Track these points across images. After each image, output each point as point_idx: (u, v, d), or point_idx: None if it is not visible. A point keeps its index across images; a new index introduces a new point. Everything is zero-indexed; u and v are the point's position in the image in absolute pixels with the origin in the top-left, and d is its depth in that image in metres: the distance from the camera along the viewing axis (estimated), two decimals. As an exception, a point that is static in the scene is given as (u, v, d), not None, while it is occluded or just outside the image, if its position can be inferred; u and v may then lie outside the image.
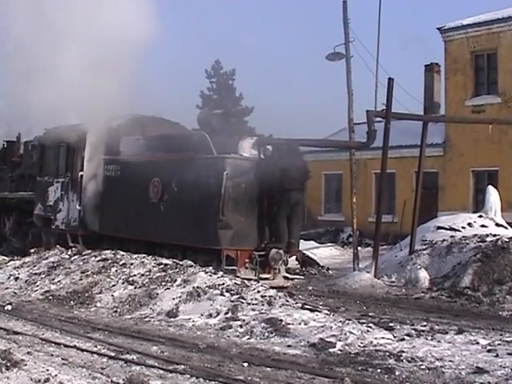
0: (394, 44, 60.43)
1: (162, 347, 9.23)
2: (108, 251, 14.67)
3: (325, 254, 25.52)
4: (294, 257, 16.07)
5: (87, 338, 9.77)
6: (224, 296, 11.31)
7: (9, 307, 12.17)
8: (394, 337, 9.59)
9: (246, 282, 12.22)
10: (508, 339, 9.60)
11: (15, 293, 13.73)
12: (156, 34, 16.83)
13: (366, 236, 26.92)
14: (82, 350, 8.99)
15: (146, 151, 16.50)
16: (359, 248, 21.12)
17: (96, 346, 9.25)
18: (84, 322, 11.02)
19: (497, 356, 8.51)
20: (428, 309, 13.90)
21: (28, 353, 8.52)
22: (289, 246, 15.15)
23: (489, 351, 8.77)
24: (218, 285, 11.77)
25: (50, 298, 13.06)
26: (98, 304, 12.31)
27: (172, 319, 11.00)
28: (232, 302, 11.05)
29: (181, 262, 13.35)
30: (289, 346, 9.29)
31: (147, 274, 12.90)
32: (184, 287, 11.90)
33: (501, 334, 10.36)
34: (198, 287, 11.72)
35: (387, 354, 8.69)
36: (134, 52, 16.95)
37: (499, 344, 9.21)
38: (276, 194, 14.93)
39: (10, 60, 19.32)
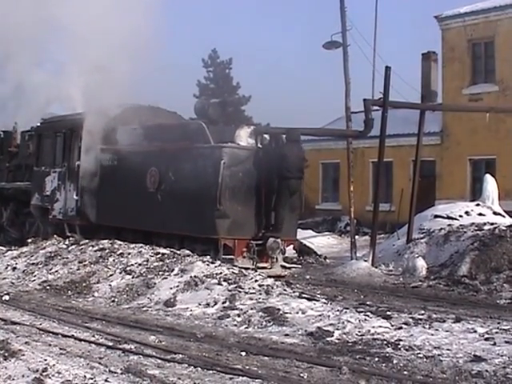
0: (391, 32, 60.32)
1: (160, 337, 9.23)
2: (105, 241, 14.66)
3: (322, 242, 25.52)
4: (292, 246, 16.07)
5: (85, 328, 9.77)
6: (221, 285, 11.31)
7: (6, 297, 12.16)
8: (392, 325, 9.58)
9: (243, 271, 12.23)
10: (505, 327, 9.61)
11: (13, 283, 13.73)
12: (157, 26, 16.79)
13: (363, 225, 26.93)
14: (80, 340, 8.99)
15: (142, 141, 16.48)
16: (357, 237, 21.15)
17: (94, 336, 9.25)
18: (82, 312, 11.02)
19: (494, 344, 8.51)
20: (425, 297, 13.90)
21: (26, 343, 8.51)
22: (277, 230, 15.04)
23: (486, 339, 8.77)
24: (216, 274, 11.77)
25: (48, 287, 13.06)
26: (96, 294, 12.31)
27: (170, 309, 11.00)
28: (229, 291, 11.06)
29: (178, 252, 13.36)
30: (286, 334, 9.30)
31: (145, 263, 12.90)
32: (181, 276, 11.91)
33: (498, 323, 10.37)
34: (195, 276, 11.73)
35: (385, 342, 8.70)
36: (134, 44, 16.92)
37: (497, 332, 9.21)
38: (274, 183, 14.92)
39: (11, 49, 19.33)
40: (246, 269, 12.91)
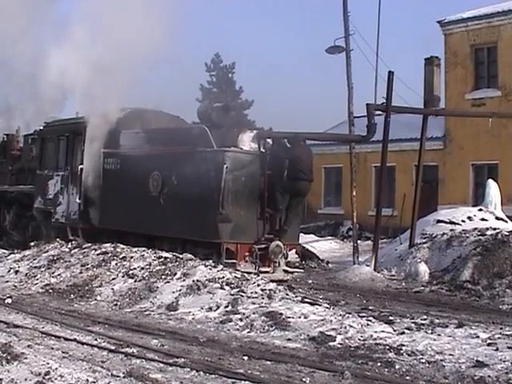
0: (394, 37, 60.36)
1: (162, 340, 9.23)
2: (108, 244, 14.66)
3: (324, 247, 25.55)
4: (294, 250, 16.05)
5: (87, 332, 9.77)
6: (224, 289, 11.31)
7: (9, 300, 12.16)
8: (394, 330, 9.59)
9: (245, 275, 12.22)
10: (508, 333, 9.61)
11: (15, 286, 13.73)
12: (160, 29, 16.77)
13: (365, 229, 26.93)
14: (83, 344, 8.99)
15: (145, 144, 16.48)
16: (359, 241, 21.13)
17: (96, 340, 9.25)
18: (84, 316, 11.02)
19: (497, 350, 8.50)
20: (428, 302, 13.91)
21: (28, 346, 8.52)
22: (281, 233, 15.02)
23: (489, 345, 8.77)
24: (218, 278, 11.77)
25: (50, 291, 13.07)
26: (98, 297, 12.31)
27: (172, 312, 11.00)
28: (232, 295, 11.05)
29: (181, 256, 13.35)
30: (289, 339, 9.29)
31: (147, 267, 12.90)
32: (184, 280, 11.91)
33: (501, 328, 10.37)
34: (197, 280, 11.72)
35: (387, 347, 8.69)
36: (138, 46, 16.93)
37: (499, 338, 9.21)
38: (282, 184, 14.86)
39: (11, 53, 19.39)
40: (249, 273, 12.90)
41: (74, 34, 17.54)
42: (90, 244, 15.20)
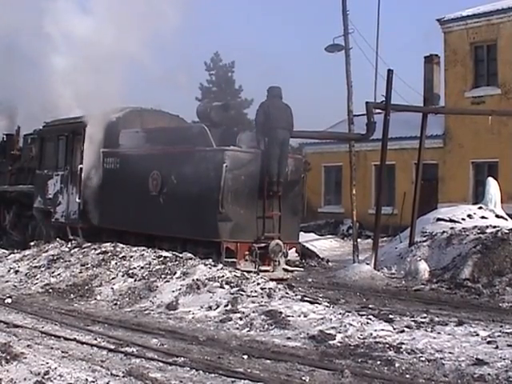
0: (393, 35, 60.33)
1: (162, 340, 9.23)
2: (108, 244, 14.65)
3: (325, 246, 25.55)
4: (294, 249, 16.05)
5: (87, 331, 9.77)
6: (224, 288, 11.31)
7: (9, 300, 12.17)
8: (394, 329, 9.57)
9: (245, 274, 12.23)
10: (508, 331, 9.58)
11: (15, 286, 13.73)
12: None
13: (365, 228, 26.93)
14: (82, 343, 8.99)
15: (145, 144, 16.48)
16: (359, 240, 21.12)
17: (96, 339, 9.25)
18: (84, 315, 11.02)
19: (497, 348, 8.49)
20: (428, 300, 13.90)
21: (28, 346, 8.52)
22: (278, 184, 14.87)
23: (489, 343, 8.76)
24: (218, 277, 11.77)
25: (50, 291, 13.06)
26: (98, 297, 12.31)
27: (172, 312, 11.00)
28: (232, 294, 11.06)
29: (180, 255, 13.35)
30: (288, 338, 9.29)
31: (147, 266, 12.90)
32: (184, 280, 11.91)
33: (501, 326, 10.36)
34: (197, 280, 11.72)
35: (387, 345, 8.69)
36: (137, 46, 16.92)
37: (499, 335, 9.20)
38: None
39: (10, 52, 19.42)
40: (249, 272, 12.91)
41: (72, 33, 17.58)
42: (89, 243, 15.20)
